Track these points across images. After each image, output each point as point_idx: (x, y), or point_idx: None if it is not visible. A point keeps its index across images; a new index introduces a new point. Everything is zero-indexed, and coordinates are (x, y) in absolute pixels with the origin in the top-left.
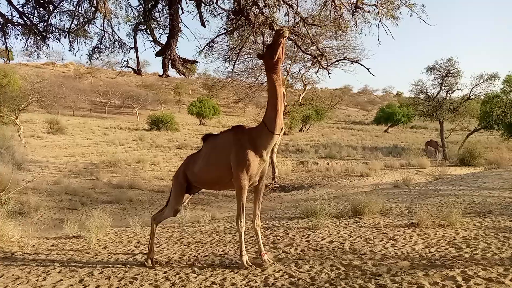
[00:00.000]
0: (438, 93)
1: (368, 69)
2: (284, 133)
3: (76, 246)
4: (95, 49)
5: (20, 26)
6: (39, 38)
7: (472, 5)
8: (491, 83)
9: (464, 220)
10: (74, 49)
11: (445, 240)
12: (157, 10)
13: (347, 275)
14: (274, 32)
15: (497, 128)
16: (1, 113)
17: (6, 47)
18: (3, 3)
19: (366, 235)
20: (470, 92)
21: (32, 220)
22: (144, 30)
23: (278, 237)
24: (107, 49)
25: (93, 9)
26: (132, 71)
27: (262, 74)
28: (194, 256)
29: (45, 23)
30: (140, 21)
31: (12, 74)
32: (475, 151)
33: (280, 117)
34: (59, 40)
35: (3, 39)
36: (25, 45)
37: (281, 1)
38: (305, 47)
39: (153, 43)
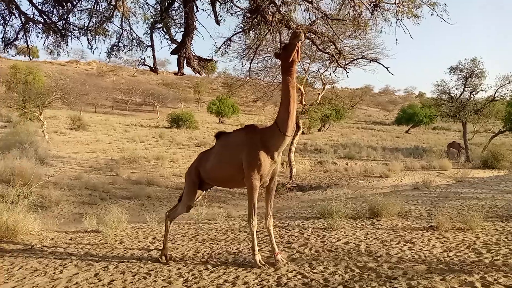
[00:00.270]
0: (461, 94)
1: (386, 68)
2: (303, 132)
3: (93, 240)
4: (114, 47)
5: (41, 25)
6: (58, 36)
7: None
8: None
9: (486, 224)
10: (92, 47)
11: (465, 245)
12: (174, 9)
13: (361, 278)
14: (290, 30)
15: None
16: (26, 109)
17: (27, 44)
18: (24, 2)
19: (382, 237)
20: (495, 93)
21: (52, 213)
22: (161, 29)
23: (293, 237)
24: (125, 47)
25: (112, 7)
26: (149, 69)
27: (280, 73)
28: (208, 254)
29: (64, 21)
30: (156, 20)
31: (37, 71)
32: (499, 153)
33: (292, 119)
34: (78, 38)
35: (24, 37)
36: (44, 43)
37: None
38: (323, 46)
39: (169, 42)
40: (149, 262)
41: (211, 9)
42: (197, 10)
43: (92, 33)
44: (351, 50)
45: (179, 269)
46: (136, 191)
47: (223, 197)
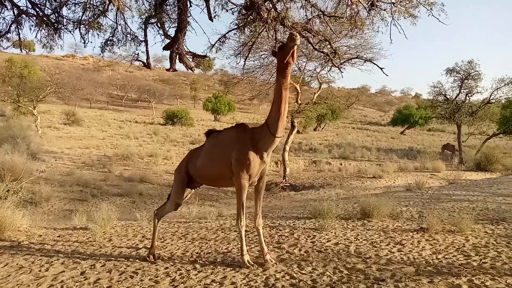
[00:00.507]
0: (457, 96)
1: (381, 68)
2: (298, 132)
3: (82, 237)
4: (108, 42)
5: (34, 17)
6: (51, 30)
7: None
8: None
9: (476, 227)
10: (85, 41)
11: (454, 247)
12: (168, 3)
13: (349, 279)
14: (286, 28)
15: None
16: (20, 104)
17: (19, 37)
18: None
19: (373, 239)
20: (490, 95)
21: (42, 210)
22: (154, 24)
23: (283, 237)
24: (120, 41)
25: (107, 1)
26: (142, 64)
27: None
28: (197, 253)
29: (57, 14)
30: (151, 14)
31: (33, 65)
32: (492, 156)
33: (283, 120)
34: (72, 32)
35: (17, 30)
36: (35, 36)
37: None
38: (319, 45)
39: (163, 37)
40: (137, 260)
41: (205, 5)
42: (191, 6)
43: (86, 27)
44: (348, 49)
45: (166, 268)
46: (128, 188)
47: (215, 195)
